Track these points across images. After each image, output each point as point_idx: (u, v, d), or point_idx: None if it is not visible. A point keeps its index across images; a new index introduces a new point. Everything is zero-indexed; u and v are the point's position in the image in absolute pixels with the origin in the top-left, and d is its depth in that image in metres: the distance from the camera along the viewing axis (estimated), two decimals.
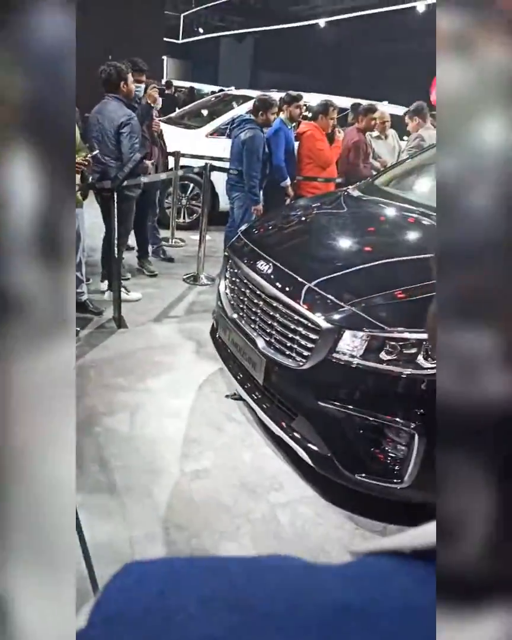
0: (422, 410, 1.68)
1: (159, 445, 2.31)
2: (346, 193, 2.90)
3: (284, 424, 2.00)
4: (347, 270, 1.98)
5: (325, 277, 1.95)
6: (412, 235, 2.36)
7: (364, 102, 4.95)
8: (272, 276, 2.05)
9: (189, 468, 2.21)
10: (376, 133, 4.77)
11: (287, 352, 1.94)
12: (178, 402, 2.63)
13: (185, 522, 1.92)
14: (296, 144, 4.18)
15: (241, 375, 2.25)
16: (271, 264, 2.10)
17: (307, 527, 1.94)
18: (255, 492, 2.10)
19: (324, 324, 1.78)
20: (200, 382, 2.80)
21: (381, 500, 2.02)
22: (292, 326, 1.91)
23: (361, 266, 2.01)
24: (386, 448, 1.77)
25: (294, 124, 4.18)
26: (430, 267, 2.04)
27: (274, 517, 1.98)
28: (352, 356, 1.75)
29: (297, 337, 1.90)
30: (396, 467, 1.76)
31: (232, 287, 2.36)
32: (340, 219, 2.59)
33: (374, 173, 4.49)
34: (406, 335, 1.68)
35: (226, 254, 2.47)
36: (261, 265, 2.12)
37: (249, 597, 0.24)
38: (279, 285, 1.99)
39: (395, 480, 1.76)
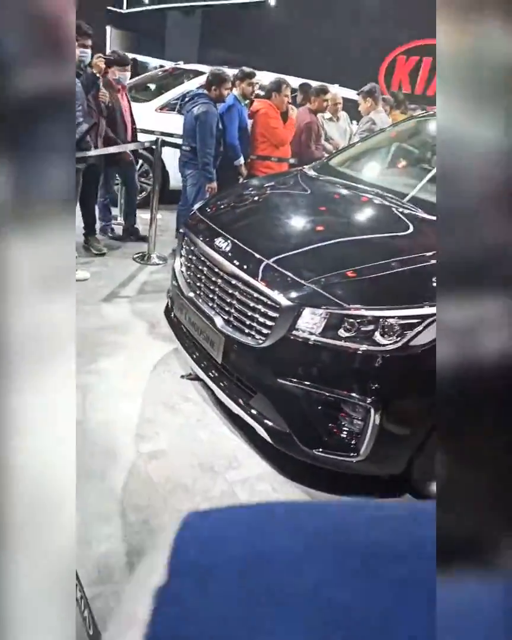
0: (377, 386, 1.72)
1: (112, 427, 2.26)
2: (301, 172, 2.90)
3: (242, 401, 2.01)
4: (306, 248, 1.98)
5: (284, 255, 1.94)
6: (367, 215, 2.39)
7: (314, 83, 4.93)
8: (230, 253, 2.02)
9: (145, 449, 2.17)
10: (328, 115, 4.78)
11: (247, 330, 1.93)
12: (131, 383, 2.57)
13: (143, 503, 1.89)
14: (249, 122, 4.12)
15: (198, 355, 2.23)
16: (229, 241, 2.06)
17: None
18: (213, 470, 2.10)
19: (284, 302, 1.78)
20: (154, 363, 2.75)
21: (335, 474, 2.08)
22: (252, 304, 1.90)
23: (319, 244, 2.03)
24: (343, 423, 1.82)
25: (246, 101, 4.11)
26: (386, 246, 2.08)
27: (233, 494, 1.99)
28: (311, 333, 1.77)
29: (257, 315, 1.89)
30: (353, 441, 1.81)
31: (189, 265, 2.31)
32: (297, 197, 2.59)
33: (326, 155, 4.52)
34: (364, 312, 1.71)
35: (182, 231, 2.41)
36: (219, 242, 2.08)
37: (347, 537, 0.23)
38: (238, 263, 1.96)
39: (351, 454, 1.81)
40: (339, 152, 3.13)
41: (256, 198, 2.57)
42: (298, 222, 2.28)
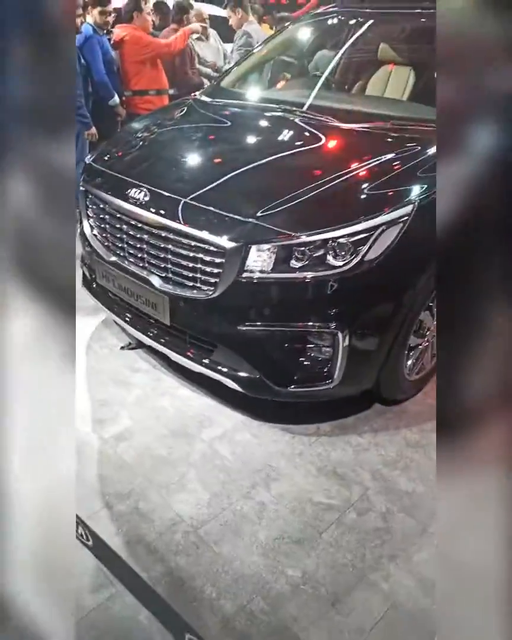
0: (339, 309, 1.70)
1: None
2: (194, 100, 2.66)
3: (203, 359, 1.90)
4: (235, 180, 1.83)
5: (216, 193, 1.78)
6: (282, 132, 2.25)
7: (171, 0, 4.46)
8: (151, 203, 1.81)
9: (109, 432, 2.00)
10: (196, 34, 4.37)
11: (191, 284, 1.78)
12: None
13: (126, 489, 1.77)
14: (115, 54, 3.65)
15: (140, 321, 2.05)
16: (144, 190, 1.84)
17: (248, 451, 1.94)
18: (187, 434, 2.01)
19: (228, 244, 1.65)
20: (86, 341, 2.50)
21: (310, 404, 2.09)
22: (191, 254, 1.74)
23: (242, 170, 1.88)
24: (312, 354, 1.79)
25: (105, 33, 3.62)
26: (309, 162, 1.98)
27: (215, 453, 1.93)
28: (263, 271, 1.67)
29: (199, 265, 1.74)
30: (325, 369, 1.80)
31: (102, 225, 2.06)
32: (202, 127, 2.37)
33: (205, 80, 4.22)
34: (313, 237, 1.64)
35: (82, 189, 2.12)
36: (134, 193, 1.85)
37: None
38: (164, 212, 1.77)
39: (327, 382, 1.81)
40: (227, 72, 2.89)
41: (158, 136, 2.31)
42: (215, 153, 2.09)
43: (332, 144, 2.10)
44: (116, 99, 3.60)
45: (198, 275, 1.75)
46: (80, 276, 2.44)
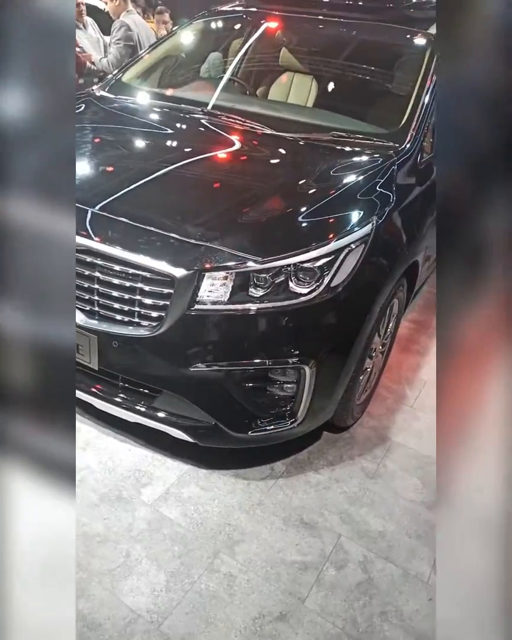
0: (304, 341, 1.51)
1: None
2: (91, 96, 2.27)
3: (142, 407, 1.57)
4: (169, 191, 1.54)
5: (154, 208, 1.47)
6: (212, 137, 1.99)
7: None
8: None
9: None
10: None
11: (126, 319, 1.45)
12: None
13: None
14: None
15: None
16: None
17: (201, 510, 1.65)
18: (122, 499, 1.66)
19: (178, 271, 1.36)
20: None
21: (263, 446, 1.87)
22: (126, 283, 1.41)
23: (180, 180, 1.60)
24: (275, 392, 1.57)
25: None
26: (268, 168, 1.77)
27: (162, 518, 1.61)
28: (218, 302, 1.41)
29: (137, 297, 1.42)
30: (288, 408, 1.60)
31: None
32: (108, 127, 2.00)
33: (85, 71, 3.78)
34: (276, 263, 1.42)
35: None
36: None
37: None
38: (93, 232, 1.41)
39: (290, 421, 1.61)
40: (127, 66, 2.55)
41: None
42: (143, 157, 1.76)
43: (273, 153, 1.90)
44: None
45: (136, 309, 1.43)
46: None
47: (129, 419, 1.61)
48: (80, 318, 1.48)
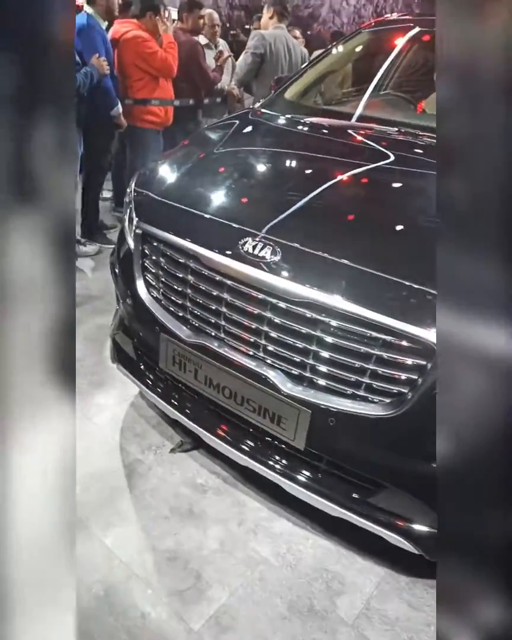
0: None
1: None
2: (253, 114, 2.04)
3: (353, 503, 1.22)
4: (413, 238, 1.21)
5: (397, 259, 1.15)
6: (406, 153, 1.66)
7: None
8: (286, 266, 1.15)
9: (196, 618, 1.27)
10: (204, 40, 3.73)
11: (353, 391, 1.12)
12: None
13: None
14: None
15: (240, 435, 1.35)
16: (270, 246, 1.18)
17: (417, 638, 1.26)
18: (314, 612, 1.31)
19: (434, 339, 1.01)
20: (116, 438, 1.75)
21: None
22: (361, 348, 1.09)
23: (418, 226, 1.26)
24: None
25: (106, 23, 2.96)
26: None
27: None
28: None
29: (373, 365, 1.09)
30: None
31: (179, 290, 1.36)
32: (293, 151, 1.72)
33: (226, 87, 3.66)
34: None
35: (139, 231, 1.42)
36: (252, 247, 1.18)
37: None
38: (317, 282, 1.11)
39: None
40: (288, 82, 2.31)
41: (247, 162, 1.65)
42: (358, 195, 1.46)
43: None
44: (119, 107, 2.93)
45: (369, 381, 1.10)
46: (110, 350, 1.72)
47: (330, 512, 1.27)
48: (282, 383, 1.17)
